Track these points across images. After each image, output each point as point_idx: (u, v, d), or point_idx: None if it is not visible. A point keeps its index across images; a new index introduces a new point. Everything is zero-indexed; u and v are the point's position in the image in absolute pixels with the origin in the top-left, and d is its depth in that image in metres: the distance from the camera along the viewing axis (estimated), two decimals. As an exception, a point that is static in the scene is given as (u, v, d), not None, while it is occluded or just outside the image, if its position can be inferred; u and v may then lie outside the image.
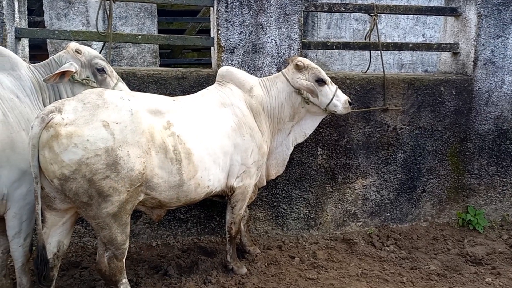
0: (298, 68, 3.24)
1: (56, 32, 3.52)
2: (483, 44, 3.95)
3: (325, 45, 3.98)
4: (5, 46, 3.19)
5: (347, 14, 8.83)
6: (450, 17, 4.21)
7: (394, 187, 4.10)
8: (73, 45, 2.92)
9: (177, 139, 2.68)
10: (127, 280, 2.70)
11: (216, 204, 3.69)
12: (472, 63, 4.00)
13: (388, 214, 4.12)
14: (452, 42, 4.20)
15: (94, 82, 2.89)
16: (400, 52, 10.00)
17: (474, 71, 4.00)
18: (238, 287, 3.15)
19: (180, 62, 7.71)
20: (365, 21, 11.40)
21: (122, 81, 3.02)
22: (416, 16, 8.66)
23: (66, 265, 3.34)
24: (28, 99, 2.71)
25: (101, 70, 2.91)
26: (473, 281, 3.30)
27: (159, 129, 2.61)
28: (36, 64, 2.90)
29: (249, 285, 3.16)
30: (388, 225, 4.11)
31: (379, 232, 4.04)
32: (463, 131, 4.08)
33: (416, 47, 4.05)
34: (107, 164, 2.36)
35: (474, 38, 3.95)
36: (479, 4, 3.87)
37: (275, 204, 3.91)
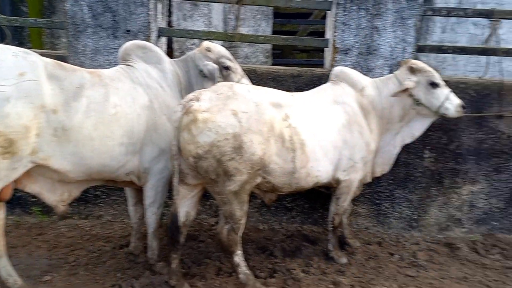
0: (412, 70, 3.34)
1: (191, 31, 4.02)
2: None
3: (440, 49, 3.99)
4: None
5: (464, 18, 8.45)
6: None
7: (505, 196, 3.98)
8: (206, 44, 3.34)
9: (293, 130, 2.96)
10: (241, 252, 3.06)
11: (320, 196, 3.92)
12: None
13: (496, 223, 4.02)
14: None
15: (220, 77, 3.27)
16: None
17: None
18: (337, 274, 3.34)
19: (291, 62, 8.05)
20: (484, 25, 10.76)
21: (246, 77, 3.38)
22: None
23: (185, 238, 3.81)
24: (169, 89, 3.18)
25: (226, 68, 3.28)
26: None
27: (278, 120, 2.92)
28: (175, 59, 3.38)
29: (348, 274, 3.34)
30: (494, 234, 4.01)
31: (485, 240, 3.96)
32: None
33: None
34: (234, 148, 2.72)
35: None
36: None
37: (377, 201, 4.04)
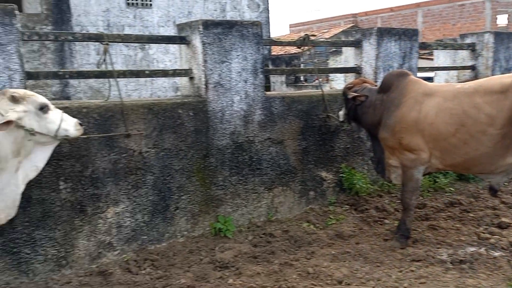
0: (15, 99, 3.04)
1: None
2: (210, 69, 4.39)
3: (56, 75, 3.82)
4: None
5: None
6: (184, 45, 4.56)
7: (148, 209, 4.18)
8: None
9: None
10: None
11: None
12: (204, 86, 4.40)
13: (145, 237, 4.18)
14: (187, 68, 4.55)
15: None
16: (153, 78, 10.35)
17: (207, 93, 4.41)
18: None
19: None
20: (136, 47, 11.56)
21: None
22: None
23: None
24: None
25: None
26: (218, 286, 3.59)
27: None
28: None
29: None
30: (146, 248, 4.17)
31: (137, 257, 4.05)
32: (204, 148, 4.44)
33: (153, 73, 4.27)
34: None
35: (203, 64, 4.35)
36: (201, 34, 4.29)
37: (15, 250, 3.55)
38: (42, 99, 3.15)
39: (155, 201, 4.22)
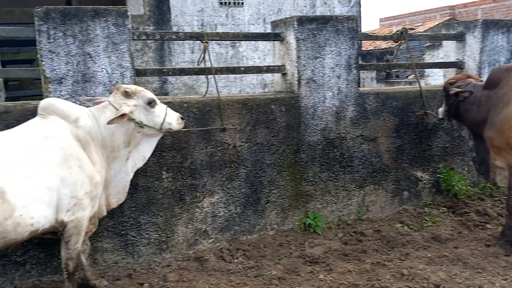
0: (127, 94, 3.30)
1: None
2: (304, 65, 4.41)
3: (161, 72, 4.10)
4: None
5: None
6: (277, 41, 4.64)
7: (241, 201, 4.33)
8: None
9: (-14, 178, 2.54)
10: None
11: (57, 240, 3.54)
12: (297, 82, 4.44)
13: (238, 227, 4.34)
14: (280, 64, 4.62)
15: None
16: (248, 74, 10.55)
17: (299, 89, 4.44)
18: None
19: (30, 94, 7.25)
20: (227, 45, 11.96)
21: None
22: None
23: None
24: None
25: None
26: (308, 280, 3.62)
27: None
28: None
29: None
30: (238, 238, 4.32)
31: (230, 246, 4.22)
32: (296, 144, 4.48)
33: (247, 70, 4.39)
34: None
35: (296, 60, 4.39)
36: (295, 30, 4.33)
37: (123, 232, 3.88)
38: (150, 95, 3.39)
39: (247, 194, 4.35)
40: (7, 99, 6.82)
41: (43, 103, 3.14)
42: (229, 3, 12.37)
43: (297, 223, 4.56)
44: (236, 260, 4.00)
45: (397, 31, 4.95)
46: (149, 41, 8.03)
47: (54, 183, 2.90)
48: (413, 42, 15.85)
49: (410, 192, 5.03)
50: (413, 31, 15.03)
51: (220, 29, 11.83)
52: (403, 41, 4.95)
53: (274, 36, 4.52)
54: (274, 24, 4.70)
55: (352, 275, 3.64)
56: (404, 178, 4.99)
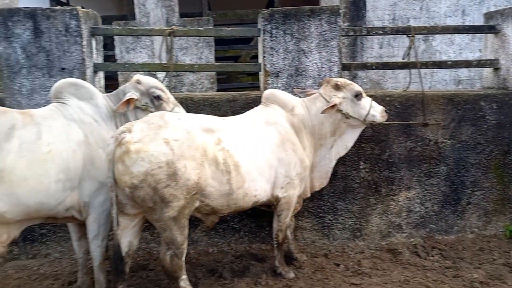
0: (337, 87, 3.56)
1: (127, 65, 4.11)
2: (523, 59, 4.04)
3: (365, 66, 4.25)
4: (84, 79, 3.79)
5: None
6: (490, 34, 4.34)
7: (439, 199, 4.22)
8: (136, 76, 3.43)
9: (226, 153, 3.08)
10: (186, 276, 3.10)
11: (266, 214, 4.03)
12: (513, 77, 4.09)
13: (434, 226, 4.24)
14: (492, 58, 4.31)
15: (152, 107, 3.36)
16: (457, 68, 9.91)
17: (515, 85, 4.09)
18: (285, 289, 3.45)
19: (235, 86, 8.24)
20: (418, 38, 11.46)
21: (179, 105, 3.48)
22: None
23: (135, 268, 3.80)
24: (104, 123, 3.23)
25: (157, 97, 3.37)
26: (516, 289, 3.37)
27: (211, 144, 3.03)
28: (108, 93, 3.44)
29: (296, 287, 3.44)
30: (433, 237, 4.23)
31: (425, 243, 4.16)
32: (506, 144, 4.15)
33: (455, 64, 4.22)
34: (168, 175, 2.80)
35: (514, 53, 4.05)
36: (516, 21, 3.99)
37: (320, 215, 4.19)
38: (358, 88, 3.58)
39: (446, 192, 4.22)
40: (218, 90, 7.90)
41: (266, 93, 3.61)
42: (425, -6, 11.80)
43: (501, 230, 4.23)
44: (431, 258, 3.93)
45: None
46: (342, 37, 8.30)
47: (274, 162, 3.32)
48: None
49: None
50: None
51: (412, 23, 11.37)
52: None
53: (488, 28, 4.24)
54: (488, 15, 4.40)
55: None
56: None
